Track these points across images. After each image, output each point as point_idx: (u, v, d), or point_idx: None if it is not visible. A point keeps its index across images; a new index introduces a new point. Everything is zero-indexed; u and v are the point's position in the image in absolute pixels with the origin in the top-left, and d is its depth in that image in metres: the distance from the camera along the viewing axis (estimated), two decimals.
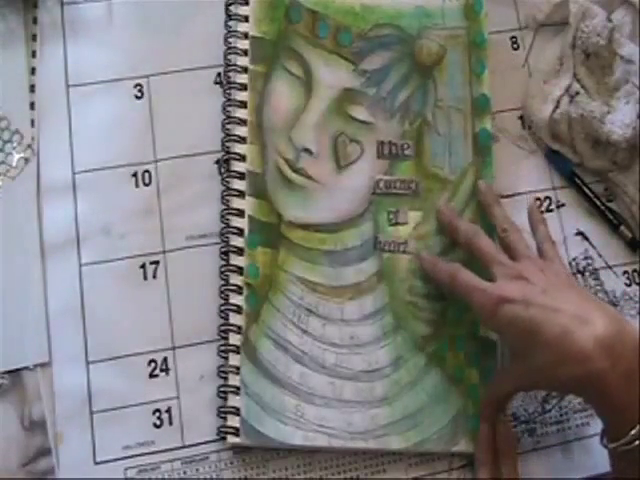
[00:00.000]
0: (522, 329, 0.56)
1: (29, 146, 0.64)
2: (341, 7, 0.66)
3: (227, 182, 0.63)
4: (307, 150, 0.64)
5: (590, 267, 0.67)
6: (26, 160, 0.64)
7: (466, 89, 0.67)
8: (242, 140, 0.64)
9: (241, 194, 0.63)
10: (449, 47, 0.67)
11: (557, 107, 0.67)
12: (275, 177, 0.64)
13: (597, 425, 0.63)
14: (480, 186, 0.65)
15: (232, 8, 0.66)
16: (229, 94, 0.65)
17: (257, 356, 0.61)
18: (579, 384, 0.55)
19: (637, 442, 0.52)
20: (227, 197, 0.63)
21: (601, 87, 0.68)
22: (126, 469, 0.60)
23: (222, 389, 0.60)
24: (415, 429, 0.61)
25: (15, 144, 0.64)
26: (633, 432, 0.53)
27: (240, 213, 0.63)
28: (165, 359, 0.62)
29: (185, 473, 0.60)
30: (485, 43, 0.67)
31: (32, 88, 0.65)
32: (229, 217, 0.63)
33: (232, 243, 0.62)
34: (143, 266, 0.63)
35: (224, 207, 0.63)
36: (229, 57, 0.65)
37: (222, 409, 0.60)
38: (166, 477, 0.60)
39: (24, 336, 0.61)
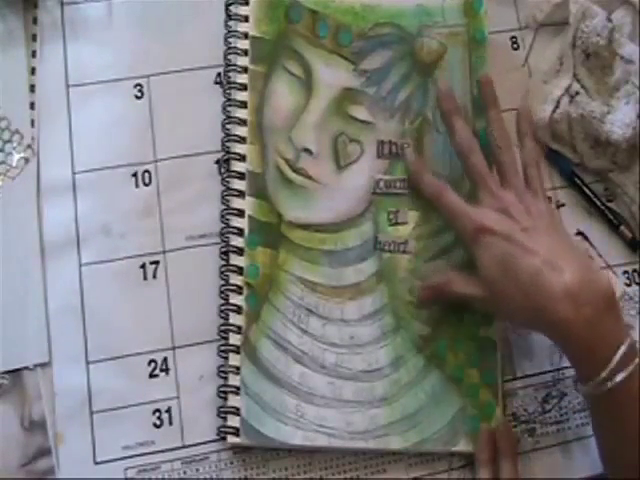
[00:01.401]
0: (498, 261, 0.58)
1: (29, 146, 0.64)
2: (341, 6, 0.66)
3: (227, 182, 0.63)
4: (307, 150, 0.64)
5: None
6: (26, 160, 0.64)
7: (466, 87, 0.67)
8: (242, 140, 0.64)
9: (241, 194, 0.63)
10: (449, 45, 0.67)
11: (557, 107, 0.67)
12: (275, 177, 0.64)
13: None
14: (482, 79, 0.65)
15: (232, 8, 0.66)
16: (229, 94, 0.65)
17: (257, 356, 0.61)
18: (543, 328, 0.57)
19: (608, 384, 0.54)
20: (227, 197, 0.63)
21: (601, 87, 0.67)
22: (126, 469, 0.60)
23: (222, 389, 0.60)
24: (415, 429, 0.61)
25: (15, 144, 0.64)
26: (603, 374, 0.54)
27: (240, 213, 0.63)
28: (165, 359, 0.62)
29: (185, 473, 0.60)
30: (485, 40, 0.67)
31: (32, 88, 0.65)
32: (229, 217, 0.63)
33: (232, 243, 0.62)
34: (143, 266, 0.63)
35: (224, 207, 0.63)
36: (229, 57, 0.65)
37: (222, 409, 0.60)
38: (166, 477, 0.60)
39: (24, 336, 0.61)
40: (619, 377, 0.53)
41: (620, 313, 0.56)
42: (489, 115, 0.64)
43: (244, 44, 0.65)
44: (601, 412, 0.57)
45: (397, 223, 0.65)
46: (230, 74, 0.65)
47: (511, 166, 0.62)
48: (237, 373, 0.60)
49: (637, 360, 0.54)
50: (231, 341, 0.61)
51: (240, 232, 0.62)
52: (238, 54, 0.65)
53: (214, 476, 0.60)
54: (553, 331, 0.57)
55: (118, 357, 0.61)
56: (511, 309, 0.58)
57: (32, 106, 0.65)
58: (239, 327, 0.61)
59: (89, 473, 0.59)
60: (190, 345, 0.62)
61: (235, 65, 0.65)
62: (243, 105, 0.64)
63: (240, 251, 0.62)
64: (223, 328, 0.61)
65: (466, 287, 0.61)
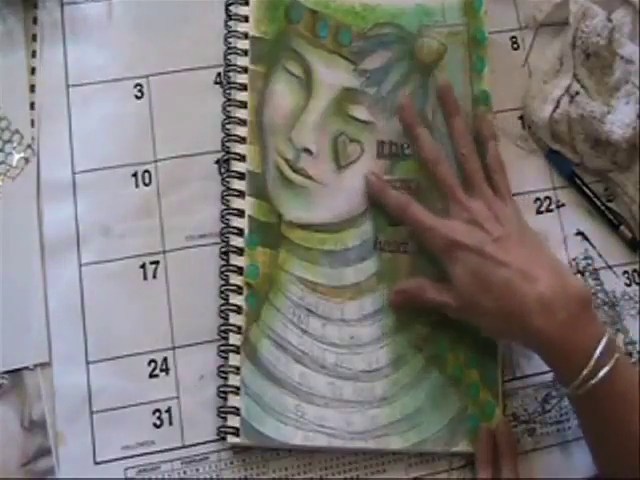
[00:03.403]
0: (471, 274, 0.58)
1: (29, 146, 0.64)
2: (341, 6, 0.66)
3: (227, 182, 0.63)
4: (307, 150, 0.64)
5: (590, 267, 0.67)
6: (26, 160, 0.64)
7: (466, 86, 0.67)
8: (242, 140, 0.64)
9: (241, 194, 0.63)
10: (449, 45, 0.67)
11: (557, 107, 0.67)
12: (275, 177, 0.64)
13: None
14: (441, 83, 0.65)
15: (232, 8, 0.66)
16: (229, 94, 0.65)
17: (257, 356, 0.61)
18: (518, 338, 0.58)
19: (591, 382, 0.54)
20: (227, 197, 0.63)
21: (601, 87, 0.68)
22: (126, 469, 0.60)
23: (222, 389, 0.60)
24: (415, 429, 0.61)
25: (15, 144, 0.64)
26: (585, 372, 0.54)
27: (240, 213, 0.63)
28: (165, 359, 0.62)
29: (185, 473, 0.60)
30: (485, 40, 0.67)
31: (32, 88, 0.65)
32: (229, 217, 0.63)
33: (232, 243, 0.62)
34: (143, 266, 0.63)
35: (224, 207, 0.63)
36: (229, 57, 0.65)
37: (222, 409, 0.60)
38: (166, 477, 0.60)
39: (24, 336, 0.61)
40: (602, 372, 0.54)
41: (594, 313, 0.57)
42: (450, 123, 0.64)
43: (244, 44, 0.65)
44: (587, 411, 0.57)
45: (397, 223, 0.65)
46: (230, 74, 0.65)
47: (477, 173, 0.63)
48: (237, 373, 0.60)
49: (617, 355, 0.54)
50: (231, 341, 0.61)
51: (240, 232, 0.62)
52: (238, 54, 0.65)
53: (214, 476, 0.60)
54: (528, 340, 0.57)
55: (118, 357, 0.61)
56: (486, 320, 0.59)
57: (32, 106, 0.65)
58: (239, 327, 0.61)
59: (89, 473, 0.59)
60: (190, 345, 0.62)
61: (235, 65, 0.65)
62: (243, 105, 0.64)
63: (240, 251, 0.62)
64: (223, 328, 0.61)
65: (439, 295, 0.61)
